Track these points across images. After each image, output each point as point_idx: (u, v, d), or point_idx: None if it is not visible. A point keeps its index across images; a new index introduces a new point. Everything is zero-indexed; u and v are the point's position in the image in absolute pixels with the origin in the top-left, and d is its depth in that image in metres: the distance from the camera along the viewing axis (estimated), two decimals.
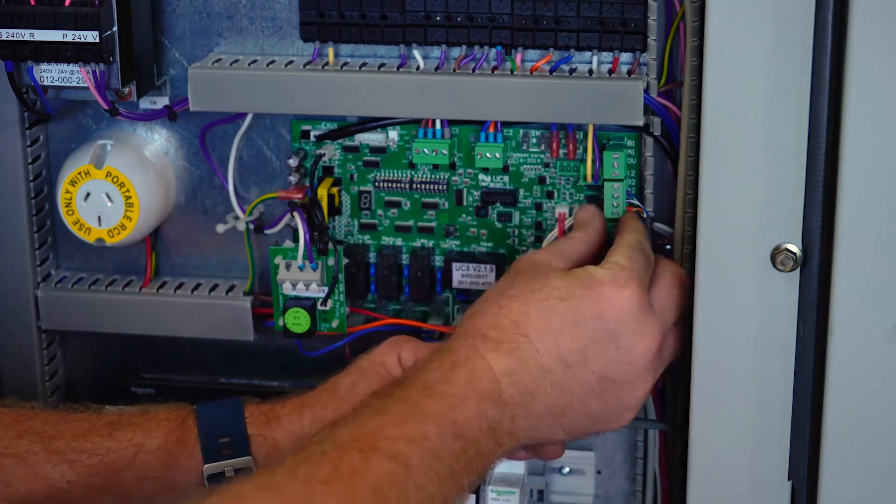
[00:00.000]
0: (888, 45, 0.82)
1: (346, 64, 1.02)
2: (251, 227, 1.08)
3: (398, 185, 1.06)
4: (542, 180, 1.04)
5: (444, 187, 1.05)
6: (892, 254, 0.86)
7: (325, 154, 1.05)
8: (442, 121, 1.03)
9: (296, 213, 1.04)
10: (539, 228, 1.05)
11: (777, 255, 0.88)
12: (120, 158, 1.06)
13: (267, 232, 1.08)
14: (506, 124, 1.03)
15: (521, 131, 1.03)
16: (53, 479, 0.93)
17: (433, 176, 1.05)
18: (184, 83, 1.04)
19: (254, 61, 1.03)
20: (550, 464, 1.12)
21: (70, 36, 0.99)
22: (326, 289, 1.05)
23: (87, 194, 1.06)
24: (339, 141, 1.06)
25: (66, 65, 1.01)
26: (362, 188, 1.07)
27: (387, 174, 1.06)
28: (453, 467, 0.81)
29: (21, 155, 1.08)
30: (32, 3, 0.99)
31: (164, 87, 1.07)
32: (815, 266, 0.89)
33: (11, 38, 0.99)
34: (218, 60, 1.03)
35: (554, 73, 0.99)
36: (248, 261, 1.09)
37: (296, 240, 1.06)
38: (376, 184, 1.06)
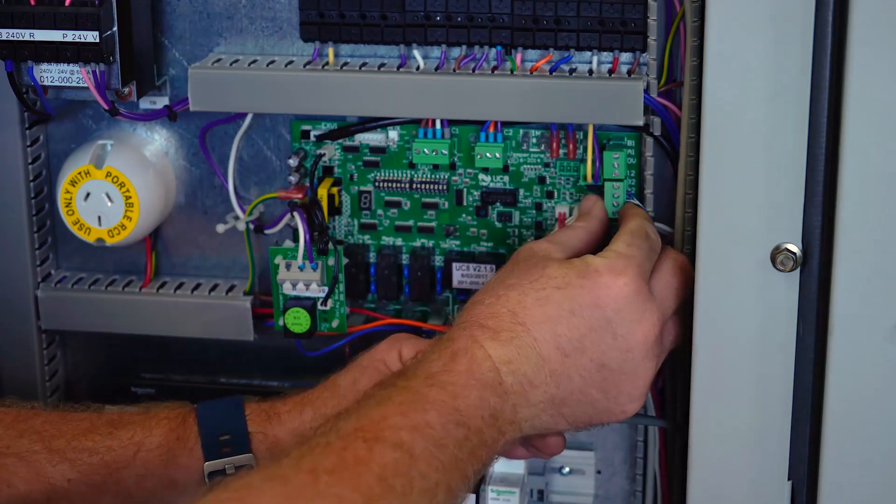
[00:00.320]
0: (888, 45, 0.82)
1: (346, 64, 1.02)
2: (251, 227, 1.08)
3: (398, 185, 1.06)
4: (542, 180, 1.04)
5: (444, 187, 1.05)
6: (892, 254, 0.86)
7: (325, 154, 1.05)
8: (442, 121, 1.03)
9: (296, 213, 1.04)
10: (539, 228, 1.05)
11: (777, 255, 0.88)
12: (120, 158, 1.06)
13: (267, 232, 1.08)
14: (506, 124, 1.03)
15: (521, 131, 1.03)
16: (54, 479, 0.93)
17: (433, 176, 1.05)
18: (184, 83, 1.04)
19: (254, 61, 1.03)
20: (550, 464, 1.12)
21: (70, 36, 0.99)
22: (326, 289, 1.05)
23: (87, 194, 1.06)
24: (339, 141, 1.06)
25: (66, 65, 1.01)
26: (362, 188, 1.07)
27: (387, 174, 1.06)
28: (457, 455, 0.81)
29: (21, 155, 1.08)
30: (32, 3, 0.99)
31: (164, 87, 1.07)
32: (815, 266, 0.89)
33: (11, 38, 0.99)
34: (218, 60, 1.03)
35: (554, 73, 0.99)
36: (248, 261, 1.09)
37: (296, 240, 1.06)
38: (376, 184, 1.06)
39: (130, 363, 1.16)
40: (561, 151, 1.03)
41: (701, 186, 0.89)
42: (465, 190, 1.05)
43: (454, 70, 1.00)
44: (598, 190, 1.02)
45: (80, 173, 1.05)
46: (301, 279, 1.05)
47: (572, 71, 0.99)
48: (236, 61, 1.03)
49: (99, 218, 1.06)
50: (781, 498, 0.93)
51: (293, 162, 1.04)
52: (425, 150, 1.03)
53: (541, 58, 1.00)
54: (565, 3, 0.98)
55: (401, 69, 1.01)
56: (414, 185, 1.05)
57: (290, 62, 1.02)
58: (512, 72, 0.99)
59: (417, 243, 1.07)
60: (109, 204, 1.06)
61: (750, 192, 0.88)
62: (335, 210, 1.07)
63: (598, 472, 1.12)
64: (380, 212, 1.07)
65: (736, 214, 0.88)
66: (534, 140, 1.03)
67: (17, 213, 1.09)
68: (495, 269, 1.05)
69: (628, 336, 0.89)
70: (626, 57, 1.00)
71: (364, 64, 1.02)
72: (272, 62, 1.03)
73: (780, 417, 0.92)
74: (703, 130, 0.88)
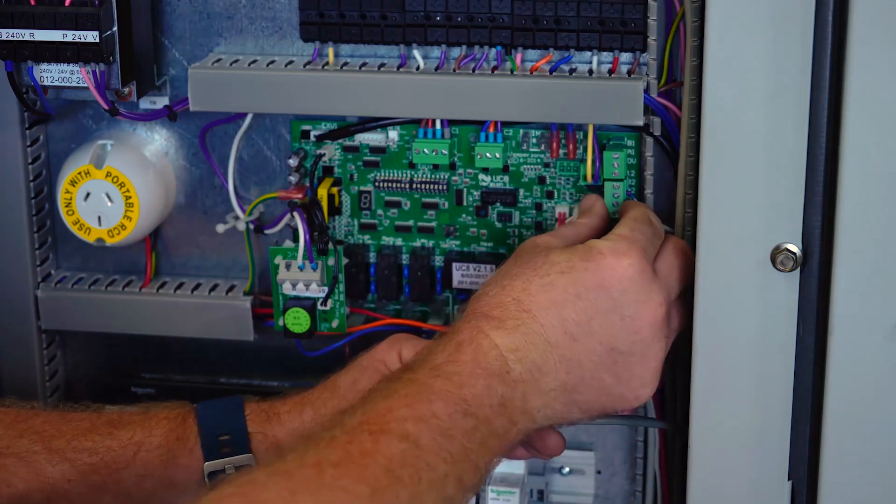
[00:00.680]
0: (888, 45, 0.82)
1: (346, 64, 1.02)
2: (251, 227, 1.08)
3: (398, 185, 1.06)
4: (542, 180, 1.04)
5: (444, 187, 1.05)
6: (892, 254, 0.86)
7: (325, 154, 1.05)
8: (442, 121, 1.03)
9: (296, 213, 1.04)
10: (539, 228, 1.05)
11: (777, 255, 0.88)
12: (120, 158, 1.06)
13: (267, 232, 1.08)
14: (506, 124, 1.03)
15: (521, 131, 1.03)
16: (54, 479, 0.93)
17: (433, 176, 1.05)
18: (184, 83, 1.04)
19: (254, 61, 1.03)
20: (550, 464, 1.12)
21: (70, 36, 0.99)
22: (326, 289, 1.05)
23: (87, 194, 1.06)
24: (339, 141, 1.06)
25: (66, 65, 1.01)
26: (362, 188, 1.07)
27: (387, 174, 1.06)
28: (466, 446, 0.80)
29: (21, 155, 1.08)
30: (32, 3, 0.99)
31: (164, 87, 1.07)
32: (815, 266, 0.89)
33: (11, 38, 0.99)
34: (218, 60, 1.03)
35: (554, 73, 0.99)
36: (248, 261, 1.09)
37: (296, 240, 1.06)
38: (376, 184, 1.06)
39: (130, 363, 1.16)
40: (561, 151, 1.03)
41: (701, 186, 0.89)
42: (465, 190, 1.05)
43: (454, 70, 1.00)
44: (598, 190, 1.02)
45: (80, 173, 1.05)
46: (301, 279, 1.05)
47: (572, 71, 0.99)
48: (236, 61, 1.03)
49: (99, 218, 1.06)
50: (781, 498, 0.93)
51: (293, 162, 1.04)
52: (425, 150, 1.03)
53: (541, 58, 1.00)
54: (565, 3, 0.98)
55: (401, 69, 1.01)
56: (414, 185, 1.05)
57: (290, 62, 1.02)
58: (512, 72, 0.99)
59: (417, 243, 1.07)
60: (109, 204, 1.06)
61: (750, 192, 0.88)
62: (335, 210, 1.07)
63: (598, 472, 1.12)
64: (380, 212, 1.07)
65: (736, 214, 0.88)
66: (534, 140, 1.03)
67: (17, 213, 1.09)
68: (495, 269, 1.05)
69: (636, 317, 0.88)
70: (626, 57, 1.00)
71: (364, 64, 1.02)
72: (272, 62, 1.03)
73: (780, 417, 0.92)
74: (703, 130, 0.88)
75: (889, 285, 0.86)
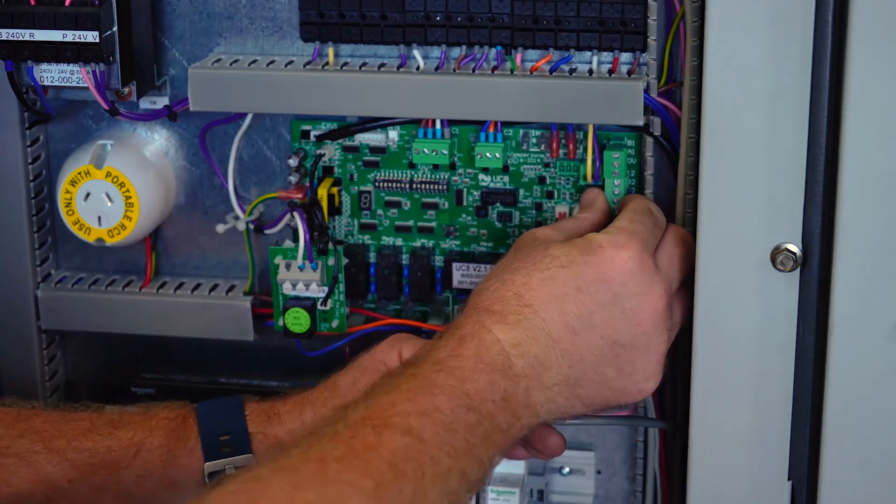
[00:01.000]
0: (888, 45, 0.82)
1: (346, 64, 1.02)
2: (251, 227, 1.08)
3: (398, 185, 1.06)
4: (542, 180, 1.04)
5: (444, 187, 1.05)
6: (892, 254, 0.86)
7: (325, 154, 1.05)
8: (442, 121, 1.03)
9: (296, 213, 1.04)
10: None
11: (777, 255, 0.88)
12: (120, 158, 1.06)
13: (267, 232, 1.08)
14: (506, 124, 1.03)
15: (521, 131, 1.03)
16: (54, 479, 0.93)
17: (433, 176, 1.05)
18: (184, 83, 1.04)
19: (254, 61, 1.03)
20: (550, 464, 1.12)
21: (70, 36, 0.99)
22: (326, 289, 1.05)
23: (87, 194, 1.06)
24: (339, 141, 1.06)
25: (66, 65, 1.01)
26: (362, 188, 1.07)
27: (387, 174, 1.06)
28: (469, 440, 0.80)
29: (21, 155, 1.08)
30: (32, 3, 0.99)
31: (164, 87, 1.07)
32: (815, 266, 0.89)
33: (11, 38, 0.99)
34: (218, 60, 1.03)
35: (554, 73, 0.99)
36: (248, 261, 1.09)
37: (296, 240, 1.06)
38: (376, 184, 1.06)
39: (130, 363, 1.16)
40: (561, 151, 1.03)
41: (701, 186, 0.89)
42: (465, 190, 1.05)
43: (454, 70, 1.00)
44: (599, 187, 1.02)
45: (80, 173, 1.05)
46: (301, 279, 1.05)
47: (572, 71, 0.99)
48: (236, 61, 1.03)
49: (99, 218, 1.06)
50: (781, 498, 0.93)
51: (293, 162, 1.04)
52: (425, 150, 1.03)
53: (541, 58, 1.00)
54: (565, 3, 0.98)
55: (401, 69, 1.01)
56: (414, 185, 1.05)
57: (290, 62, 1.02)
58: (512, 72, 0.99)
59: (417, 243, 1.07)
60: (109, 204, 1.06)
61: (750, 192, 0.88)
62: (335, 210, 1.07)
63: (598, 472, 1.12)
64: (380, 212, 1.07)
65: (736, 214, 0.88)
66: (534, 140, 1.04)
67: (17, 213, 1.09)
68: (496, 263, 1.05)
69: (637, 309, 0.88)
70: (626, 57, 1.00)
71: (364, 64, 1.02)
72: (272, 62, 1.03)
73: (780, 417, 0.92)
74: (703, 130, 0.88)
75: (889, 285, 0.86)
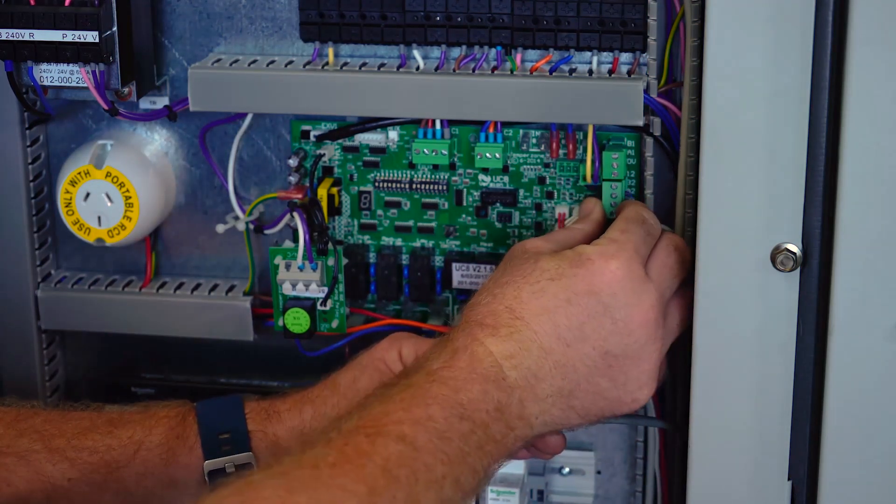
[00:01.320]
0: (888, 45, 0.82)
1: (346, 64, 1.02)
2: (251, 227, 1.08)
3: (398, 185, 1.06)
4: (542, 180, 1.04)
5: (444, 187, 1.05)
6: (892, 254, 0.86)
7: (325, 154, 1.05)
8: (442, 121, 1.03)
9: (296, 213, 1.04)
10: (539, 229, 1.05)
11: (777, 255, 0.88)
12: (120, 158, 1.06)
13: (267, 232, 1.08)
14: (506, 124, 1.03)
15: (521, 131, 1.03)
16: (54, 478, 0.93)
17: (433, 176, 1.05)
18: (184, 83, 1.04)
19: (254, 61, 1.03)
20: (550, 464, 1.12)
21: (70, 36, 0.99)
22: (326, 289, 1.05)
23: (87, 194, 1.06)
24: (339, 141, 1.06)
25: (66, 65, 1.01)
26: (362, 188, 1.07)
27: (387, 174, 1.06)
28: (463, 449, 0.81)
29: (21, 155, 1.08)
30: (32, 3, 0.99)
31: (164, 87, 1.07)
32: (815, 266, 0.89)
33: (11, 38, 0.99)
34: (218, 60, 1.03)
35: (554, 74, 0.99)
36: (248, 261, 1.09)
37: (296, 240, 1.06)
38: (376, 184, 1.06)
39: (130, 363, 1.16)
40: (561, 152, 1.03)
41: (701, 186, 0.89)
42: (465, 190, 1.05)
43: (454, 70, 1.00)
44: (597, 190, 1.02)
45: (80, 173, 1.05)
46: (301, 279, 1.05)
47: (572, 71, 0.99)
48: (236, 61, 1.03)
49: (99, 218, 1.06)
50: (781, 498, 0.93)
51: (293, 162, 1.04)
52: (425, 150, 1.03)
53: (541, 58, 1.00)
54: (565, 3, 0.98)
55: (401, 69, 1.01)
56: (414, 186, 1.05)
57: (290, 62, 1.02)
58: (512, 72, 0.99)
59: (417, 243, 1.07)
60: (109, 204, 1.06)
61: (750, 192, 0.88)
62: (335, 210, 1.07)
63: (598, 472, 1.12)
64: (380, 212, 1.07)
65: (736, 214, 0.88)
66: (534, 140, 1.03)
67: (17, 213, 1.09)
68: (493, 271, 1.05)
69: (628, 320, 0.88)
70: (626, 57, 1.00)
71: (364, 64, 1.02)
72: (272, 62, 1.03)
73: (780, 417, 0.92)
74: (703, 130, 0.88)
75: (889, 285, 0.86)
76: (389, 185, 1.06)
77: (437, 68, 1.00)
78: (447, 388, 0.83)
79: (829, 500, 0.91)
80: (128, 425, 0.94)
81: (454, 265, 1.06)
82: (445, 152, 1.03)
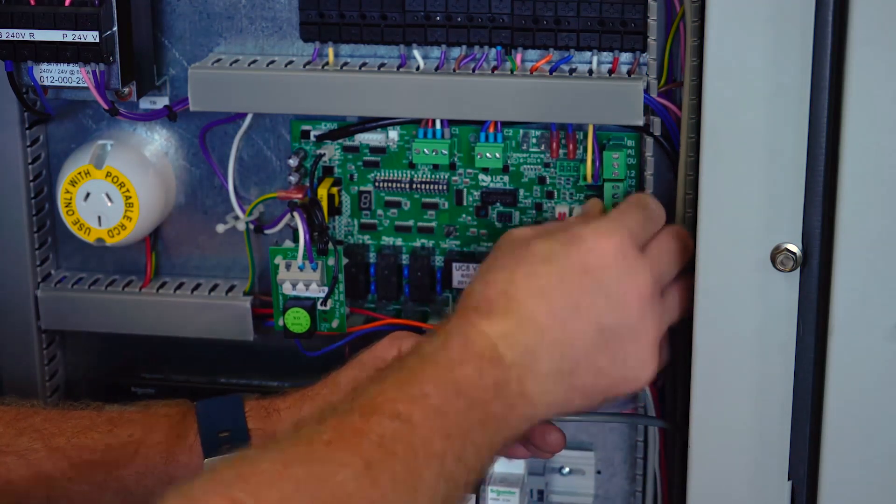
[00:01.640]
0: (888, 45, 0.82)
1: (346, 64, 1.02)
2: (251, 227, 1.08)
3: (398, 185, 1.06)
4: (542, 180, 1.04)
5: (444, 187, 1.05)
6: (892, 254, 0.86)
7: (325, 154, 1.05)
8: (442, 121, 1.03)
9: (296, 213, 1.04)
10: None
11: (777, 255, 0.88)
12: (120, 158, 1.06)
13: (267, 232, 1.08)
14: (506, 124, 1.03)
15: (521, 131, 1.03)
16: (54, 477, 0.93)
17: (433, 176, 1.05)
18: (184, 83, 1.04)
19: (254, 61, 1.03)
20: (550, 464, 1.12)
21: (70, 36, 0.99)
22: (326, 289, 1.05)
23: (87, 194, 1.06)
24: (339, 141, 1.06)
25: (66, 65, 1.01)
26: (362, 188, 1.07)
27: (387, 174, 1.06)
28: (462, 425, 0.80)
29: (21, 155, 1.08)
30: (32, 3, 0.99)
31: (164, 87, 1.07)
32: (815, 266, 0.89)
33: (11, 38, 0.99)
34: (218, 60, 1.03)
35: (554, 73, 0.99)
36: (248, 261, 1.09)
37: (296, 240, 1.06)
38: (376, 184, 1.06)
39: (130, 363, 1.16)
40: (561, 151, 1.03)
41: (701, 186, 0.89)
42: (465, 190, 1.05)
43: (454, 70, 1.00)
44: (598, 190, 1.02)
45: (80, 173, 1.05)
46: (301, 279, 1.05)
47: (572, 71, 0.99)
48: (236, 61, 1.03)
49: (99, 218, 1.06)
50: (781, 498, 0.93)
51: (293, 162, 1.04)
52: (425, 150, 1.03)
53: (541, 58, 1.00)
54: (565, 3, 0.98)
55: (401, 69, 1.01)
56: (414, 185, 1.05)
57: (290, 62, 1.02)
58: (512, 72, 0.99)
59: (417, 243, 1.07)
60: (109, 204, 1.06)
61: (750, 192, 0.88)
62: (335, 210, 1.07)
63: (598, 472, 1.12)
64: (380, 212, 1.07)
65: (736, 214, 0.88)
66: (534, 140, 1.04)
67: (17, 213, 1.09)
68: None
69: (621, 295, 0.87)
70: (626, 57, 1.00)
71: (364, 64, 1.02)
72: (272, 62, 1.03)
73: (780, 417, 0.92)
74: (703, 130, 0.88)
75: (889, 285, 0.86)
76: (389, 184, 1.06)
77: (437, 68, 1.00)
78: (441, 368, 0.82)
79: (829, 500, 0.91)
80: (128, 424, 0.94)
81: (454, 265, 1.06)
82: (445, 152, 1.03)
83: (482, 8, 0.99)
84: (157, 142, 1.09)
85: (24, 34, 0.99)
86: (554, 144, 1.03)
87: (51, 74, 1.02)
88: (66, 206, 1.06)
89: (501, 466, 1.06)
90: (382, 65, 1.01)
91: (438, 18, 1.00)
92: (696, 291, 0.91)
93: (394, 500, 0.75)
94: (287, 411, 0.94)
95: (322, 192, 1.05)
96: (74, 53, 0.99)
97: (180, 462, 0.93)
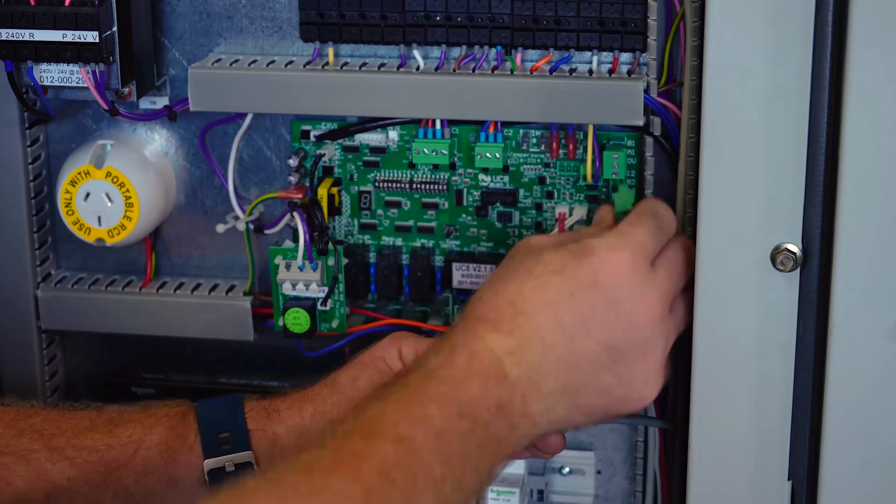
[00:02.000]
0: (888, 45, 0.82)
1: (346, 64, 1.02)
2: (251, 227, 1.08)
3: (398, 185, 1.06)
4: (542, 180, 1.04)
5: (444, 187, 1.05)
6: (892, 254, 0.86)
7: (325, 154, 1.05)
8: (442, 121, 1.03)
9: (296, 213, 1.04)
10: (539, 229, 1.05)
11: (777, 255, 0.88)
12: (120, 158, 1.06)
13: (267, 232, 1.08)
14: (506, 124, 1.03)
15: (521, 131, 1.03)
16: (54, 477, 0.93)
17: (433, 176, 1.05)
18: (184, 83, 1.04)
19: (254, 61, 1.03)
20: (550, 464, 1.12)
21: (70, 36, 0.99)
22: (326, 289, 1.05)
23: (87, 194, 1.06)
24: (339, 141, 1.06)
25: (66, 65, 1.01)
26: (362, 188, 1.07)
27: (387, 174, 1.06)
28: (463, 449, 0.79)
29: (21, 155, 1.08)
30: (32, 3, 0.99)
31: (164, 87, 1.07)
32: (815, 266, 0.89)
33: (11, 38, 0.99)
34: (218, 60, 1.03)
35: (554, 73, 0.99)
36: (248, 261, 1.09)
37: (296, 240, 1.06)
38: (376, 184, 1.06)
39: (130, 363, 1.16)
40: (561, 151, 1.03)
41: (701, 186, 0.89)
42: (465, 190, 1.05)
43: (454, 70, 1.00)
44: (597, 190, 1.02)
45: (80, 173, 1.05)
46: (301, 279, 1.05)
47: (572, 71, 0.99)
48: (236, 61, 1.03)
49: (99, 218, 1.06)
50: (781, 498, 0.93)
51: (293, 162, 1.04)
52: (425, 150, 1.03)
53: (541, 58, 1.00)
54: (565, 3, 0.98)
55: (401, 69, 1.01)
56: (414, 185, 1.05)
57: (290, 62, 1.02)
58: (512, 72, 0.99)
59: (417, 243, 1.07)
60: (109, 204, 1.06)
61: (750, 192, 0.88)
62: (335, 210, 1.07)
63: (598, 472, 1.12)
64: (380, 212, 1.07)
65: (736, 214, 0.88)
66: (534, 140, 1.04)
67: (17, 213, 1.09)
68: (494, 269, 1.04)
69: (632, 314, 0.87)
70: (626, 57, 1.00)
71: (364, 64, 1.02)
72: (272, 62, 1.03)
73: (780, 417, 0.92)
74: (703, 130, 0.88)
75: (889, 285, 0.86)
76: (389, 184, 1.06)
77: (437, 68, 1.00)
78: (445, 387, 0.82)
79: (829, 500, 0.91)
80: (127, 424, 0.94)
81: (454, 265, 1.06)
82: (445, 152, 1.03)
83: (482, 8, 0.99)
84: (157, 142, 1.09)
85: (24, 34, 0.99)
86: (554, 144, 1.03)
87: (51, 74, 1.02)
88: (66, 206, 1.06)
89: None
90: (382, 65, 1.02)
91: (438, 18, 1.00)
92: (696, 291, 0.91)
93: None
94: (287, 412, 0.94)
95: (322, 192, 1.05)
96: (74, 53, 0.99)
97: (180, 462, 0.93)
